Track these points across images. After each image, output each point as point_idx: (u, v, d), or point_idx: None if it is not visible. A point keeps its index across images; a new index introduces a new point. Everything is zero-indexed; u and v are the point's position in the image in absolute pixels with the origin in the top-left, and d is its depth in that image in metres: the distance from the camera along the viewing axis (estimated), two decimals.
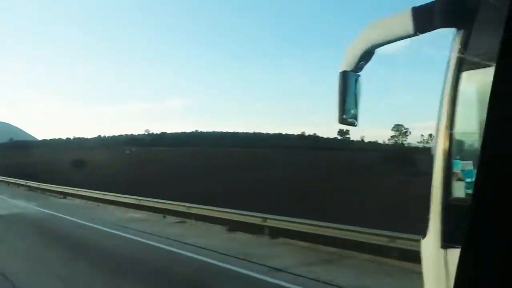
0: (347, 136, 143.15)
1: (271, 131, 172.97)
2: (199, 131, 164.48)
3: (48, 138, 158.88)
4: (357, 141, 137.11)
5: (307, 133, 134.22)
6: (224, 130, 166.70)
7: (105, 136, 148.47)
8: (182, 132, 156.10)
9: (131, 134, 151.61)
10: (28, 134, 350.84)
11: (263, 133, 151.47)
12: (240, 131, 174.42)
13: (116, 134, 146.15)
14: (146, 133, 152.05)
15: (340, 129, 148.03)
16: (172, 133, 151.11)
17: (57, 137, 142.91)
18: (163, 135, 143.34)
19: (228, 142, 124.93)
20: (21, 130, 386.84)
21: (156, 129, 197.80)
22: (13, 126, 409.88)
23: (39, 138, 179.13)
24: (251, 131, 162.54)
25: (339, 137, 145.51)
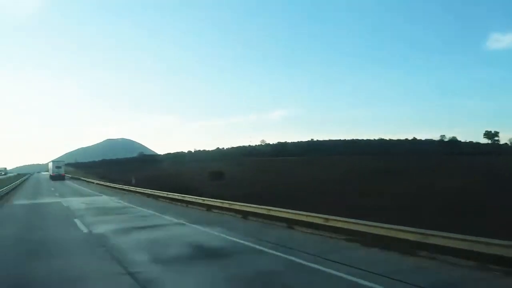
0: (496, 138, 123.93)
1: (396, 137, 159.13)
2: (315, 140, 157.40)
3: (169, 151, 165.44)
4: (505, 145, 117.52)
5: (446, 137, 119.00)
6: (341, 138, 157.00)
7: (223, 148, 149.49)
8: (298, 142, 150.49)
9: (249, 145, 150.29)
10: (149, 149, 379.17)
11: (391, 140, 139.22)
12: (360, 138, 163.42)
13: (234, 145, 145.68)
14: (262, 144, 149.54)
15: (486, 131, 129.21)
16: (290, 142, 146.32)
17: (178, 151, 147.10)
18: (282, 145, 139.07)
19: (352, 150, 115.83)
20: (142, 145, 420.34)
21: (271, 140, 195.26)
22: (135, 142, 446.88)
23: (159, 152, 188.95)
24: (372, 137, 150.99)
25: (486, 141, 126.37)
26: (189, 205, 20.43)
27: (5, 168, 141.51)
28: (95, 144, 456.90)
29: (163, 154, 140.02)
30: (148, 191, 28.44)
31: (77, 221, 15.88)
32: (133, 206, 21.75)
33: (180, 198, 21.69)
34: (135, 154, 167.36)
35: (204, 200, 19.18)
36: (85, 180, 66.25)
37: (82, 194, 33.51)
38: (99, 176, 63.52)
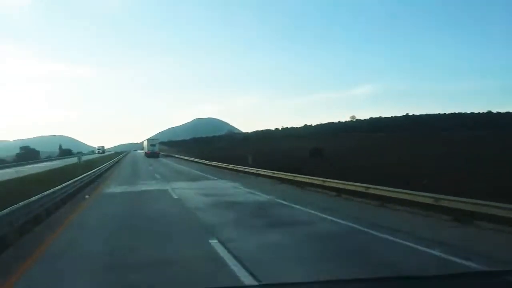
0: None
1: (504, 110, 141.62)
2: (411, 114, 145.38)
3: (257, 129, 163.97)
4: None
5: None
6: (440, 112, 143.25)
7: (311, 124, 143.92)
8: (393, 117, 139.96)
9: (338, 122, 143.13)
10: (235, 127, 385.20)
11: (499, 113, 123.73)
12: (464, 111, 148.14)
13: (322, 122, 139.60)
14: (353, 120, 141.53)
15: None
16: (384, 117, 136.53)
17: (265, 129, 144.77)
18: (376, 120, 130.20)
19: (455, 124, 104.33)
20: (229, 124, 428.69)
21: (362, 115, 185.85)
22: (222, 121, 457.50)
23: (246, 130, 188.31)
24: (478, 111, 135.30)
25: None
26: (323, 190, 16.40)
27: (103, 147, 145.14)
28: (184, 124, 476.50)
29: (251, 132, 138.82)
30: (263, 171, 24.77)
31: (218, 247, 7.56)
32: (283, 201, 14.25)
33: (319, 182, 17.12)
34: (222, 133, 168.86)
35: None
36: (181, 158, 65.99)
37: (188, 177, 27.97)
38: (194, 155, 62.49)
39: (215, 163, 40.07)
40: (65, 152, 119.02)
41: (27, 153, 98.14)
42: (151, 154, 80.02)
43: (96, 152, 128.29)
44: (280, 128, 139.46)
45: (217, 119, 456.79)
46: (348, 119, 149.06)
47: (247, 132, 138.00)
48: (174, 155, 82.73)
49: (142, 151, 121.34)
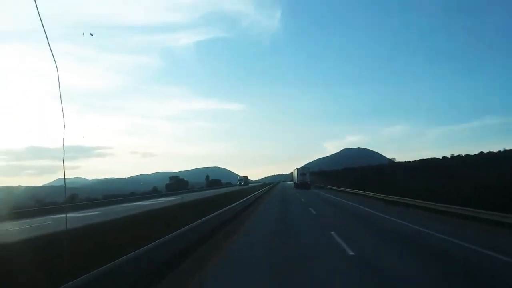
0: None
1: None
2: None
3: (408, 159, 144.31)
4: None
5: None
6: None
7: (490, 151, 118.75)
8: None
9: None
10: (384, 156, 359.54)
11: None
12: None
13: (507, 148, 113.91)
14: None
15: None
16: None
17: (429, 157, 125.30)
18: None
19: None
20: (378, 153, 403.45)
21: None
22: (371, 150, 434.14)
23: (399, 159, 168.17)
24: None
25: None
26: None
27: (246, 177, 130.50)
28: (331, 155, 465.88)
29: (415, 161, 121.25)
30: None
31: None
32: None
33: None
34: (372, 163, 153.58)
35: None
36: (341, 190, 55.14)
37: (389, 233, 14.84)
38: (355, 186, 50.98)
39: (401, 199, 28.93)
40: (212, 183, 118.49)
41: (175, 183, 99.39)
42: (302, 185, 71.92)
43: (237, 183, 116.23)
44: (449, 156, 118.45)
45: (367, 149, 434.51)
46: None
47: (408, 161, 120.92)
48: (328, 186, 71.90)
49: (291, 182, 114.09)
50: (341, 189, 53.99)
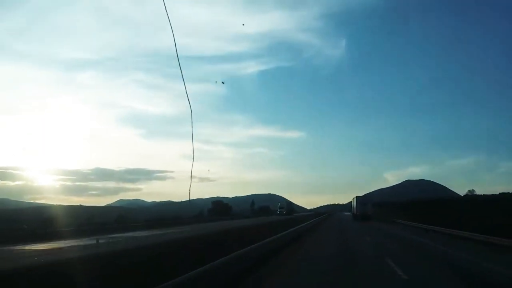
0: None
1: None
2: None
3: (495, 192, 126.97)
4: None
5: None
6: None
7: None
8: None
9: None
10: (448, 189, 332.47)
11: None
12: None
13: None
14: None
15: None
16: None
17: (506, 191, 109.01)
18: None
19: None
20: (442, 186, 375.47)
21: None
22: (435, 182, 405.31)
23: (461, 193, 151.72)
24: None
25: None
26: None
27: (289, 204, 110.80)
28: (392, 185, 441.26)
29: (489, 194, 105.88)
30: None
31: None
32: None
33: None
34: (435, 195, 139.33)
35: None
36: (419, 227, 43.59)
37: None
38: (432, 221, 39.50)
39: None
40: (260, 210, 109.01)
41: (218, 208, 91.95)
42: (361, 216, 61.85)
43: (277, 211, 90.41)
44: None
45: (431, 181, 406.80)
46: None
47: (485, 195, 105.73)
48: (399, 220, 57.03)
49: (348, 213, 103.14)
50: (423, 225, 42.00)
